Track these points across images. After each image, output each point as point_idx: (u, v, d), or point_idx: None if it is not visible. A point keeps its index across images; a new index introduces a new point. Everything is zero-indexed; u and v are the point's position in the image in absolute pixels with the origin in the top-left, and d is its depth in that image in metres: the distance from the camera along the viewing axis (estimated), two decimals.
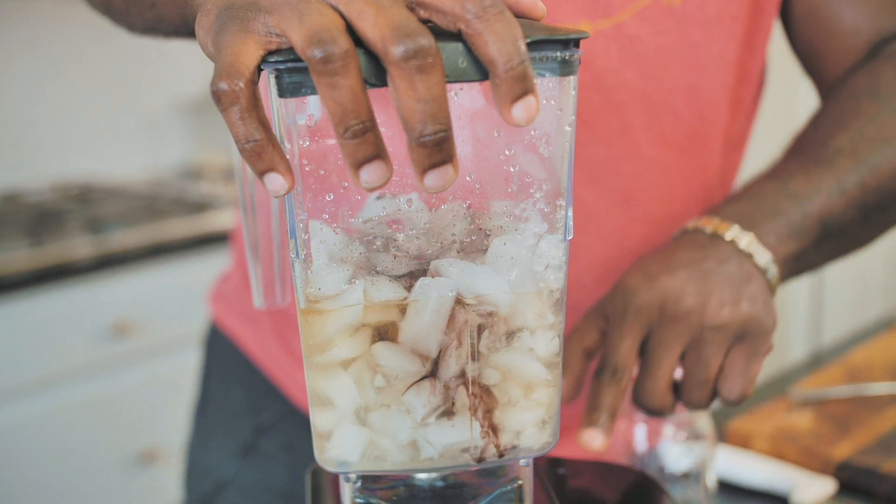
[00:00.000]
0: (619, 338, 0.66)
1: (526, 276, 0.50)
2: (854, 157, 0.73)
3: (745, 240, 0.69)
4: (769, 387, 1.09)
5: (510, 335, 0.51)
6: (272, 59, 0.45)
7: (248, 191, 0.61)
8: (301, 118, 0.47)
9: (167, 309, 1.97)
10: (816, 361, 1.18)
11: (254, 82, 0.45)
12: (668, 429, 0.78)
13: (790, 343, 2.67)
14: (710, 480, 0.80)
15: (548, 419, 0.53)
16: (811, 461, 0.90)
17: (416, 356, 0.50)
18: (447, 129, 0.42)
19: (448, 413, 0.51)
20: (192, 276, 2.00)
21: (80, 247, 1.91)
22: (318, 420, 0.52)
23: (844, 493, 0.87)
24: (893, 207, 0.76)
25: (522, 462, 0.54)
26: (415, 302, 0.50)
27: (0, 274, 1.77)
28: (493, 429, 0.52)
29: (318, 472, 0.62)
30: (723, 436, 0.97)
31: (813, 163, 0.74)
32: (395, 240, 0.50)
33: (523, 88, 0.43)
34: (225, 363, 0.96)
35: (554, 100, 0.48)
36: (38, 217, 2.05)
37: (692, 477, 0.80)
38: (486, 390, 0.51)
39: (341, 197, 0.50)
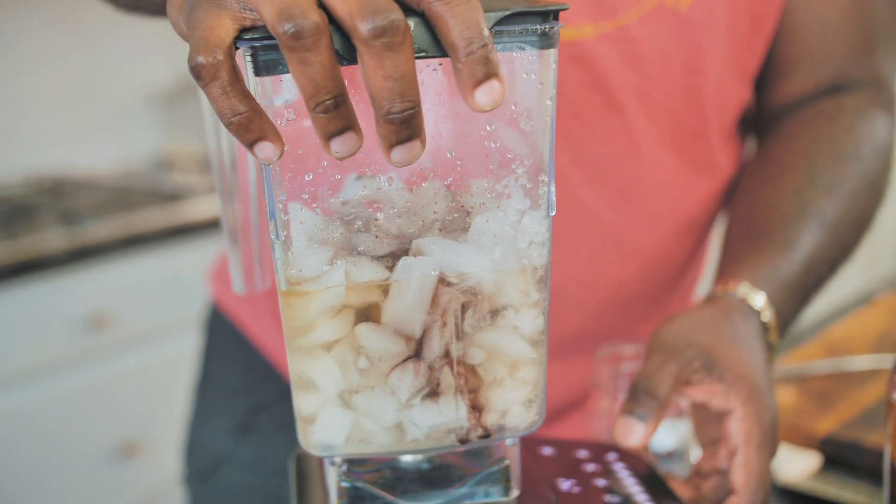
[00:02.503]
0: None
1: (509, 253, 0.50)
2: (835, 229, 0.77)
3: (773, 334, 0.71)
4: None
5: (494, 313, 0.50)
6: (247, 37, 0.44)
7: (226, 175, 0.60)
8: (278, 99, 0.47)
9: (143, 300, 1.96)
10: (798, 338, 1.18)
11: (231, 55, 0.44)
12: None
13: None
14: (695, 458, 0.80)
15: (534, 398, 0.52)
16: (795, 436, 0.90)
17: (400, 337, 0.50)
18: (415, 107, 0.42)
19: (433, 394, 0.51)
20: (167, 267, 1.98)
21: (53, 240, 1.89)
22: (302, 404, 0.51)
23: (829, 467, 0.87)
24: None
25: (509, 442, 0.54)
26: (397, 282, 0.49)
27: None
28: (479, 409, 0.51)
29: (302, 458, 0.62)
30: None
31: (815, 240, 0.76)
32: (376, 219, 0.49)
33: (486, 73, 0.42)
34: (225, 342, 0.97)
35: (534, 73, 0.48)
36: (10, 211, 2.03)
37: (676, 455, 0.80)
38: (471, 370, 0.51)
39: (320, 177, 0.49)
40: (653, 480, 0.61)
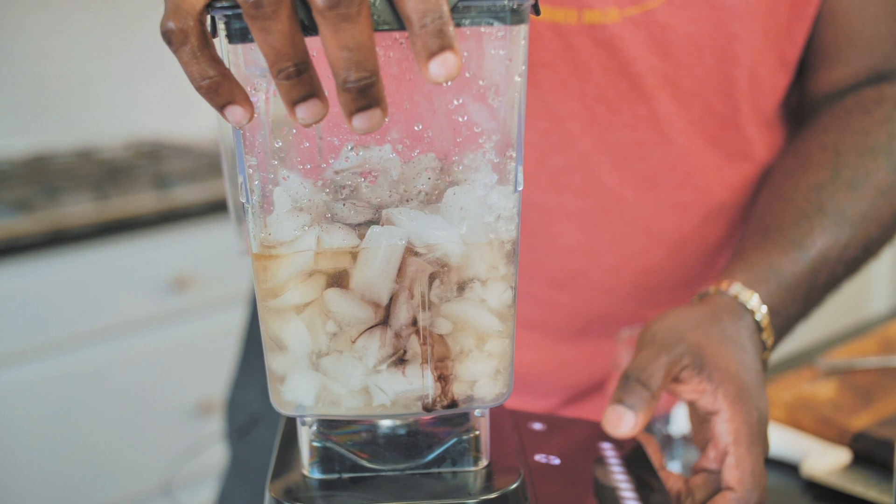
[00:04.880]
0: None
1: (477, 226, 0.50)
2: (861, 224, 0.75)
3: (767, 333, 0.70)
4: (799, 356, 1.07)
5: (461, 285, 0.51)
6: (219, 5, 0.46)
7: (232, 151, 0.61)
8: (251, 66, 0.48)
9: (225, 265, 2.01)
10: (853, 333, 1.15)
11: (202, 22, 0.45)
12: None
13: (873, 297, 2.59)
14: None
15: (501, 370, 0.53)
16: (827, 431, 0.88)
17: (368, 304, 0.51)
18: (372, 76, 0.42)
19: (400, 361, 0.52)
20: None
21: (144, 201, 1.96)
22: (273, 364, 0.53)
23: (859, 463, 0.85)
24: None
25: (477, 412, 0.54)
26: (365, 249, 0.50)
27: (66, 226, 1.82)
28: (445, 378, 0.52)
29: (292, 419, 0.63)
30: None
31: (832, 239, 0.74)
32: (345, 187, 0.51)
33: (440, 45, 0.42)
34: None
35: (503, 49, 0.48)
36: (109, 172, 2.10)
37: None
38: (438, 340, 0.52)
39: (312, 146, 0.51)
40: (636, 460, 0.61)
